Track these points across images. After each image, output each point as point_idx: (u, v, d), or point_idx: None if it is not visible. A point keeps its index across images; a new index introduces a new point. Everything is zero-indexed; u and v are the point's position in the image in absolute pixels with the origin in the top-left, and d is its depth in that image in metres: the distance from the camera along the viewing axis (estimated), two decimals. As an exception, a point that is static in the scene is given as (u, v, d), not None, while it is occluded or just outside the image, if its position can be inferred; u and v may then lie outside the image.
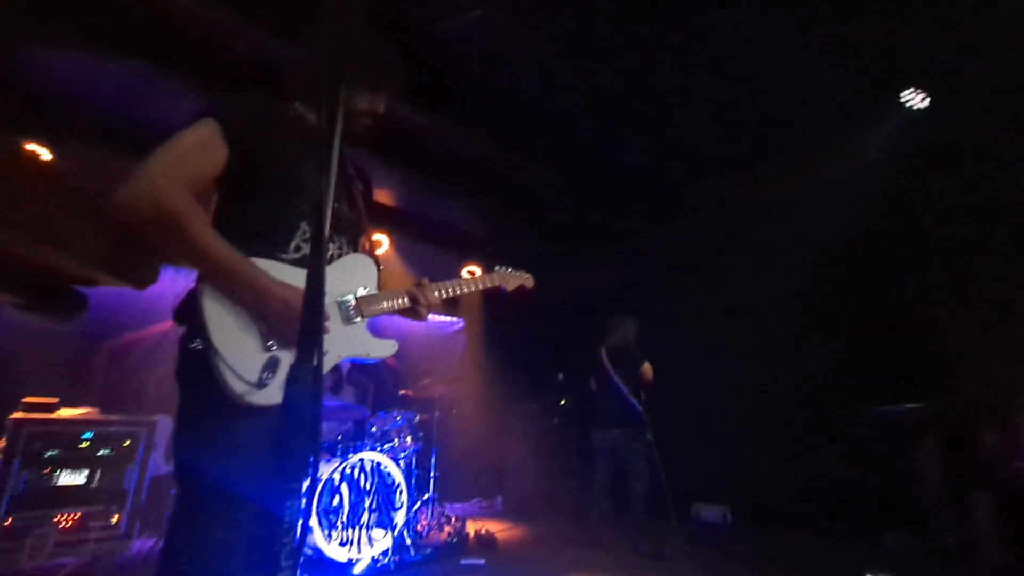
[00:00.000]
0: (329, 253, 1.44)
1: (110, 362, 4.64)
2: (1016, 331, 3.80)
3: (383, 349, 1.52)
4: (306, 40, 1.62)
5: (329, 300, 1.41)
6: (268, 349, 1.26)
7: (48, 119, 3.67)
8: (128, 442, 3.55)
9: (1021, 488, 3.24)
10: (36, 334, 4.05)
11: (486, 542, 4.30)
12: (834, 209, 4.59)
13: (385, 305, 1.54)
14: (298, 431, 0.78)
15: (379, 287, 1.56)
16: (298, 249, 1.34)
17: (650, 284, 6.38)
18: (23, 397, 3.34)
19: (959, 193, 4.10)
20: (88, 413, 3.59)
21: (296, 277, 1.29)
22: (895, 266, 4.48)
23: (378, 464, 3.72)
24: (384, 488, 3.70)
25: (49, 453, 3.25)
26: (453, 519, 4.41)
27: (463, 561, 3.78)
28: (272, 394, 1.22)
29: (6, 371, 3.84)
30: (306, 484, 0.79)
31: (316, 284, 0.77)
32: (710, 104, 4.08)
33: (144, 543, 3.63)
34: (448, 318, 7.41)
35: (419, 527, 4.10)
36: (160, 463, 4.50)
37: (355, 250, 1.56)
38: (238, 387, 1.19)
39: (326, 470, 3.43)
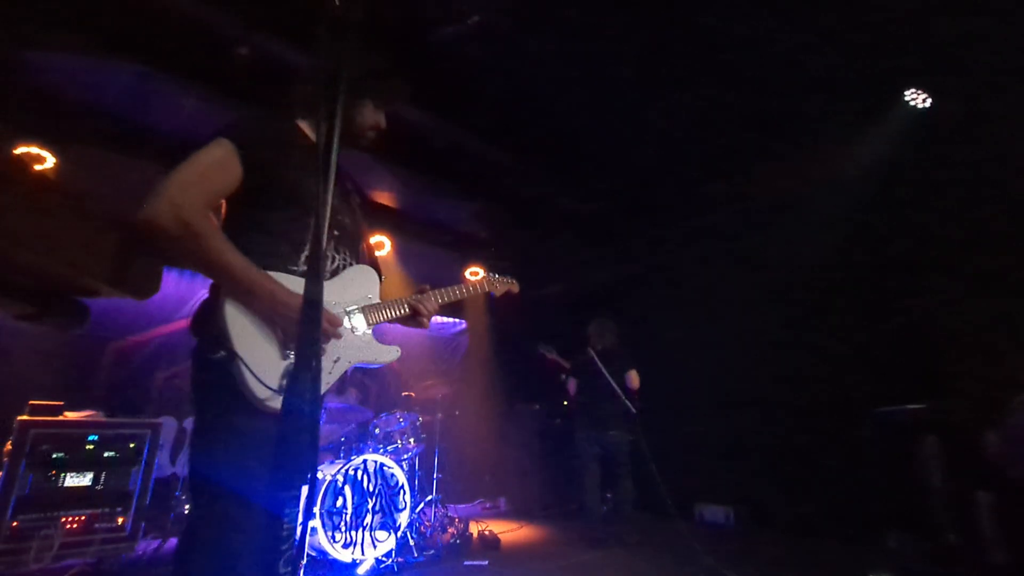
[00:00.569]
0: (335, 265, 1.51)
1: (115, 364, 4.68)
2: (1019, 331, 3.78)
3: (388, 355, 1.60)
4: (308, 55, 1.69)
5: (339, 310, 1.49)
6: (286, 356, 1.32)
7: (50, 124, 3.69)
8: (133, 444, 3.58)
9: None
10: (40, 338, 4.08)
11: (489, 543, 4.32)
12: (836, 209, 4.59)
13: (389, 314, 1.63)
14: (299, 437, 0.80)
15: (381, 296, 1.63)
16: (308, 261, 1.40)
17: (652, 284, 6.39)
18: (29, 400, 3.37)
19: (963, 192, 4.09)
20: (93, 415, 3.62)
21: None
22: (897, 266, 4.47)
23: (381, 466, 3.73)
24: (387, 489, 3.72)
25: (55, 455, 3.28)
26: (456, 520, 4.42)
27: (466, 562, 3.79)
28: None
29: (11, 374, 3.87)
30: (305, 489, 0.80)
31: (315, 296, 0.80)
32: (711, 104, 4.07)
33: (149, 544, 3.66)
34: (450, 319, 7.43)
35: (422, 528, 4.11)
36: (165, 465, 4.54)
37: (357, 260, 1.62)
38: (261, 393, 1.24)
39: (329, 472, 3.45)
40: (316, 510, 3.29)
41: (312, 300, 0.80)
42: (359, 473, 3.59)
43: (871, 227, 4.55)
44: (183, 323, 5.04)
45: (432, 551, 3.84)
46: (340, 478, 3.46)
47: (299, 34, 3.27)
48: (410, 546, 3.74)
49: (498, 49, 3.60)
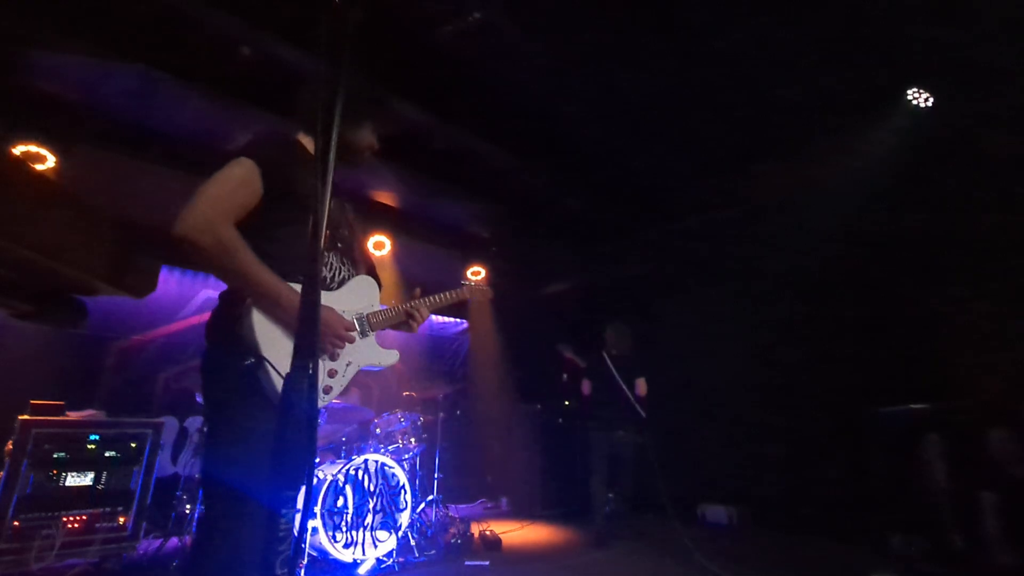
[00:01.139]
0: (341, 276, 1.66)
1: (117, 365, 4.68)
2: (1022, 329, 3.77)
3: (390, 358, 1.77)
4: (309, 58, 1.82)
5: (349, 317, 1.63)
6: None
7: (52, 124, 3.70)
8: (135, 444, 3.58)
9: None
10: (42, 337, 4.09)
11: (491, 543, 4.30)
12: (840, 208, 4.57)
13: (389, 320, 1.79)
14: (297, 438, 0.81)
15: (380, 302, 1.79)
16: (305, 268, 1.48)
17: (654, 284, 6.37)
18: (30, 399, 3.37)
19: (967, 191, 4.07)
20: (95, 415, 3.62)
21: (322, 298, 1.44)
22: (901, 265, 4.45)
23: (382, 465, 3.73)
24: (388, 489, 3.71)
25: (56, 455, 3.28)
26: (457, 520, 4.41)
27: (467, 562, 3.78)
28: None
29: (13, 374, 3.87)
30: (303, 490, 0.82)
31: (312, 302, 0.84)
32: (714, 103, 4.06)
33: (151, 544, 3.66)
34: (452, 319, 7.42)
35: (423, 528, 4.10)
36: (166, 465, 4.54)
37: (355, 268, 1.76)
38: None
39: (330, 471, 3.44)
40: (317, 510, 3.29)
41: (310, 303, 0.85)
42: (360, 473, 3.58)
43: (874, 226, 4.53)
44: (184, 324, 5.05)
45: (433, 551, 3.84)
46: (341, 478, 3.45)
47: (301, 35, 3.27)
48: (411, 546, 3.73)
49: (501, 47, 3.59)
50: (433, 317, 7.25)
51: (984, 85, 3.67)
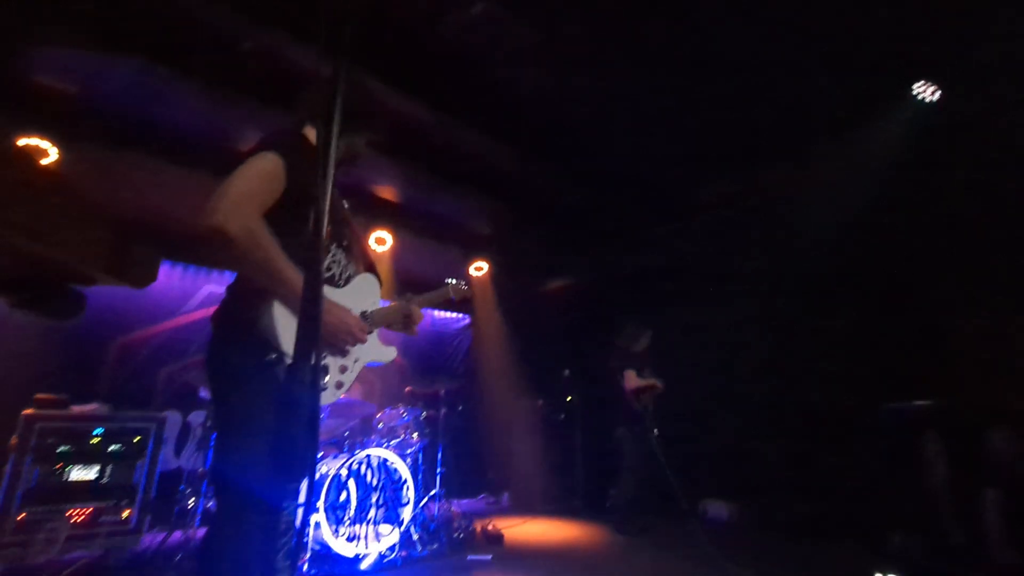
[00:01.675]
0: (347, 274, 1.70)
1: (120, 359, 4.69)
2: (1026, 327, 3.75)
3: (390, 354, 1.84)
4: (311, 52, 1.85)
5: (356, 313, 1.67)
6: (327, 357, 1.55)
7: (52, 117, 3.69)
8: (138, 438, 3.60)
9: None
10: (45, 332, 4.10)
11: (493, 538, 4.32)
12: (843, 205, 4.54)
13: (388, 317, 1.85)
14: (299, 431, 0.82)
15: (380, 300, 1.84)
16: (328, 269, 1.58)
17: (656, 282, 6.35)
18: (34, 394, 3.39)
19: (970, 188, 4.04)
20: (99, 409, 3.63)
21: (333, 295, 1.59)
22: (903, 262, 4.43)
23: (385, 460, 3.74)
24: (391, 484, 3.72)
25: (60, 449, 3.30)
26: (460, 515, 4.43)
27: (470, 557, 3.79)
28: (326, 396, 1.55)
29: (17, 368, 3.88)
30: (305, 484, 0.83)
31: (314, 296, 0.84)
32: (717, 98, 4.03)
33: (154, 538, 3.67)
34: (453, 315, 7.42)
35: (426, 523, 4.12)
36: (170, 458, 4.56)
37: (355, 264, 1.79)
38: None
39: (333, 466, 3.45)
40: (320, 504, 3.30)
41: (313, 296, 0.86)
42: (363, 467, 3.59)
43: (877, 223, 4.50)
44: (187, 319, 5.06)
45: (436, 545, 3.85)
46: (344, 472, 3.46)
47: (302, 29, 3.25)
48: (414, 540, 3.75)
49: (502, 43, 3.57)
50: (435, 313, 7.27)
51: (993, 78, 3.64)
